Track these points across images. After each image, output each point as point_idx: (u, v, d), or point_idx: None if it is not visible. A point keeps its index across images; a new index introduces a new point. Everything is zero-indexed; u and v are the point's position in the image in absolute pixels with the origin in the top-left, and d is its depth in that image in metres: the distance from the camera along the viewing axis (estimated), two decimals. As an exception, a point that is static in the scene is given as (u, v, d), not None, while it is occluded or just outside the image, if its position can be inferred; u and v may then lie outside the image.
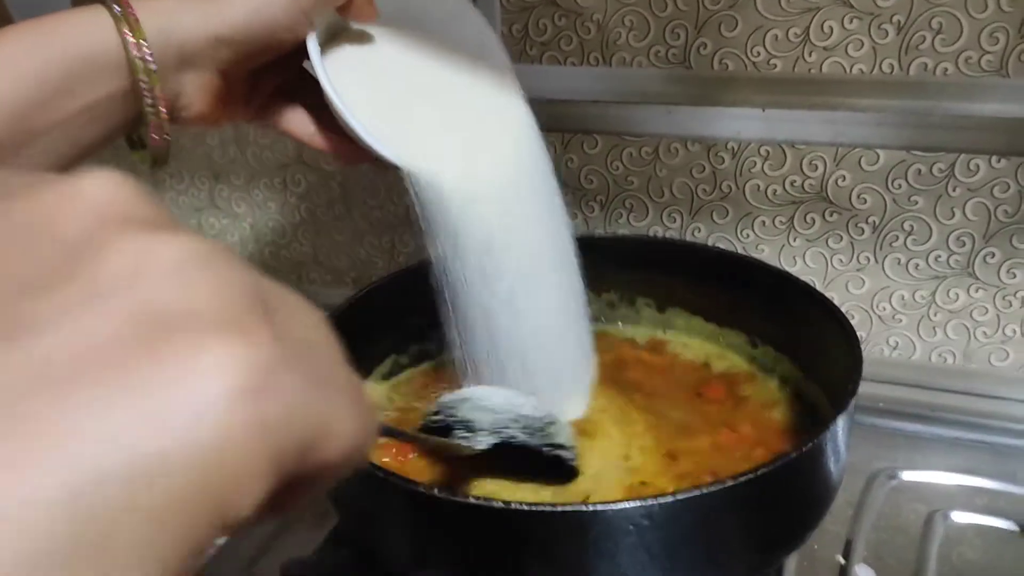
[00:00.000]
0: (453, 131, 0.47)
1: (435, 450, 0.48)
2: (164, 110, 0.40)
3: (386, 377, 0.62)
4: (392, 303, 0.60)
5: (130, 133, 0.42)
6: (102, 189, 0.16)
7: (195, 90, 0.41)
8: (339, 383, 0.18)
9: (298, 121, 0.47)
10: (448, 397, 0.47)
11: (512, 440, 0.46)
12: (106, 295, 0.15)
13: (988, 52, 0.57)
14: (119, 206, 0.16)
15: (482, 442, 0.45)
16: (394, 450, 0.52)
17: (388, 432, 0.46)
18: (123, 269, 0.15)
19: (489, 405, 0.46)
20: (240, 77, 0.44)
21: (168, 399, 0.14)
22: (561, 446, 0.48)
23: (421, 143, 0.46)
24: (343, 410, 0.17)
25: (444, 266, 0.47)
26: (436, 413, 0.47)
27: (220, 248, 0.16)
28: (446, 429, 0.46)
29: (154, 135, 0.41)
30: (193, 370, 0.14)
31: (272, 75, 0.45)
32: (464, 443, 0.45)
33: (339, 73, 0.43)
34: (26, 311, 0.14)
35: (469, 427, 0.45)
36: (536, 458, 0.47)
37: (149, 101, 0.39)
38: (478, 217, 0.46)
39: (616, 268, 0.64)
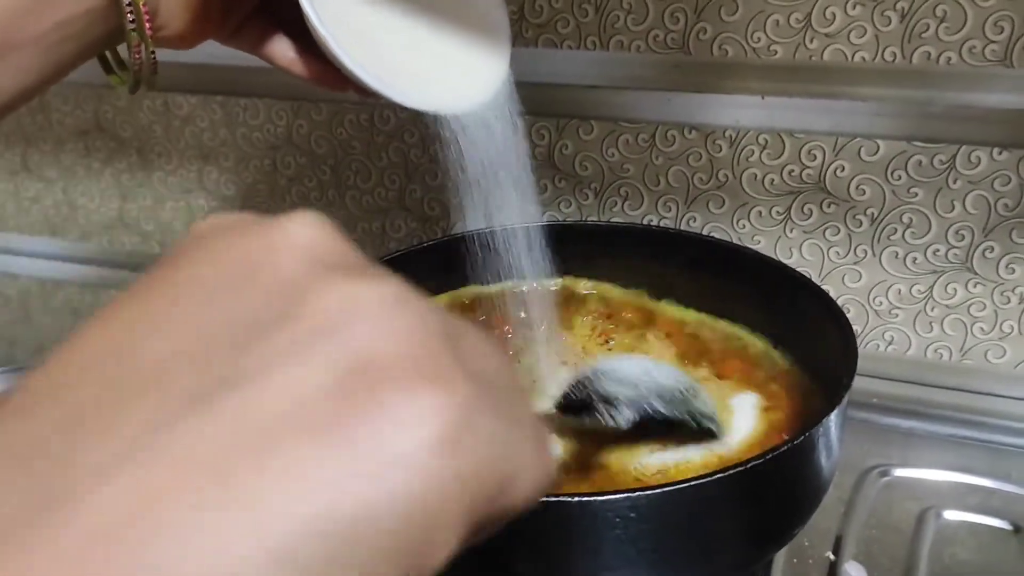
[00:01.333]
0: (432, 58, 0.46)
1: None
2: (148, 25, 0.38)
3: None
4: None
5: (105, 52, 0.40)
6: (306, 233, 0.17)
7: (174, 5, 0.39)
8: (524, 419, 0.17)
9: (277, 45, 0.45)
10: (585, 371, 0.46)
11: (654, 414, 0.45)
12: (311, 344, 0.15)
13: (992, 41, 0.55)
14: (322, 250, 0.17)
15: (625, 419, 0.44)
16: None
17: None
18: (327, 317, 0.15)
19: (626, 377, 0.45)
20: None
21: (372, 452, 0.14)
22: (701, 413, 0.47)
23: (400, 68, 0.44)
24: (530, 451, 0.17)
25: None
26: (574, 388, 0.46)
27: (413, 291, 0.16)
28: (583, 405, 0.45)
29: (137, 55, 0.39)
30: (397, 421, 0.14)
31: None
32: (608, 422, 0.44)
33: None
34: (236, 361, 0.15)
35: (608, 401, 0.44)
36: (674, 423, 0.46)
37: (131, 17, 0.37)
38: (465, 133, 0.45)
39: (609, 257, 0.63)
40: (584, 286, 0.63)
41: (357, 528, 0.14)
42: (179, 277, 0.17)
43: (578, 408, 0.45)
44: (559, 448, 0.48)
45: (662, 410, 0.45)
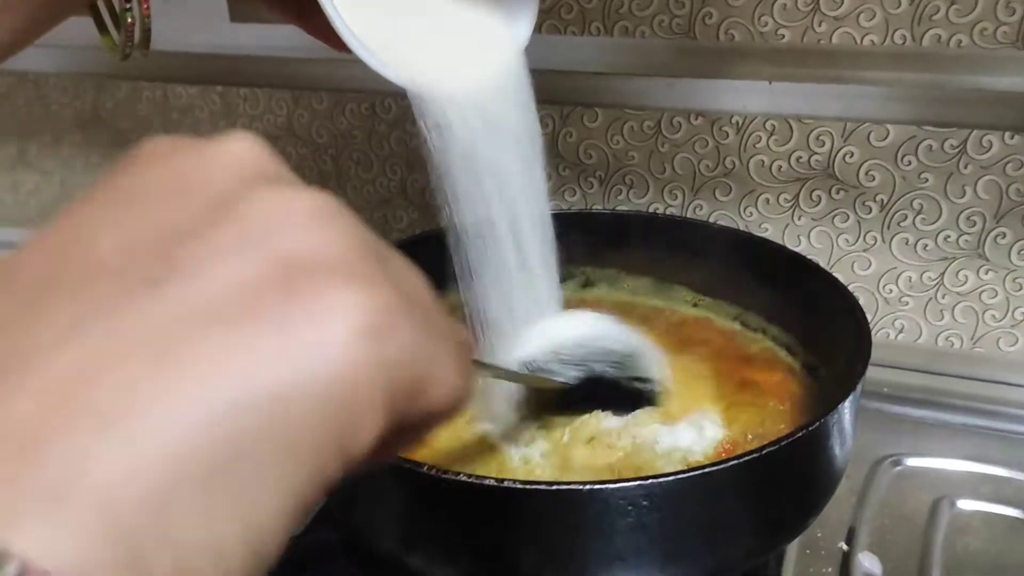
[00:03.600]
0: (441, 40, 0.44)
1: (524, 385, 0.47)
2: None
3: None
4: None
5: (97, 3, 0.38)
6: (244, 150, 0.18)
7: None
8: (443, 331, 0.19)
9: None
10: (535, 328, 0.46)
11: (602, 374, 0.45)
12: (248, 242, 0.16)
13: (1004, 23, 0.55)
14: (258, 165, 0.18)
15: (573, 377, 0.44)
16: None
17: (482, 366, 0.45)
18: (262, 220, 0.17)
19: (578, 337, 0.45)
20: None
21: (301, 337, 0.15)
22: (646, 379, 0.47)
23: (407, 47, 0.43)
24: (447, 356, 0.18)
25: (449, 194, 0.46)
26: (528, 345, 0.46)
27: (342, 204, 0.18)
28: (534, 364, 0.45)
29: (130, 17, 0.37)
30: (324, 310, 0.16)
31: None
32: (557, 379, 0.44)
33: None
34: (178, 256, 0.16)
35: (561, 360, 0.45)
36: (619, 388, 0.47)
37: None
38: (460, 121, 0.44)
39: (615, 246, 0.62)
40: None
41: (285, 402, 0.15)
42: (124, 184, 0.18)
43: (529, 365, 0.45)
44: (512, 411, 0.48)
45: (609, 370, 0.45)
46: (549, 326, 0.46)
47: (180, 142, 0.19)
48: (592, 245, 0.62)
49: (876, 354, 0.66)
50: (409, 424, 0.18)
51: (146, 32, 0.38)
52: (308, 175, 0.79)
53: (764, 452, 0.38)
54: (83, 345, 0.15)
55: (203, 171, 0.18)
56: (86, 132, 0.85)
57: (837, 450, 0.44)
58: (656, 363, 0.49)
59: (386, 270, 0.17)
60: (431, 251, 0.59)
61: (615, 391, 0.47)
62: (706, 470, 0.37)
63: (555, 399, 0.47)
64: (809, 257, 0.55)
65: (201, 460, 0.14)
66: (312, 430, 0.15)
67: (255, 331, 0.15)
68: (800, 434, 0.39)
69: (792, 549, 0.52)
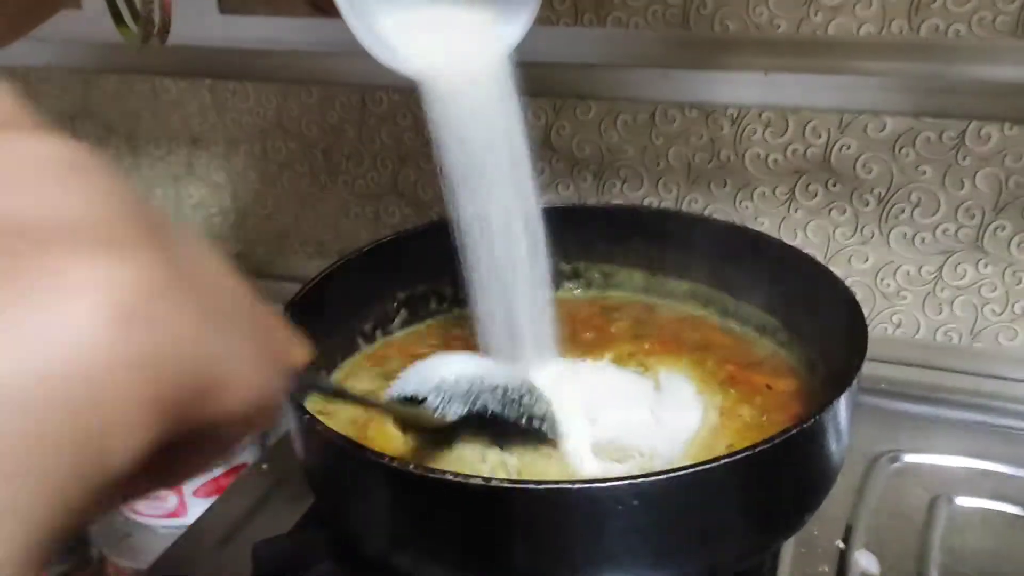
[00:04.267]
0: (435, 32, 0.44)
1: (403, 420, 0.46)
2: None
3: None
4: (372, 274, 0.58)
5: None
6: None
7: None
8: (243, 323, 0.15)
9: None
10: (418, 365, 0.44)
11: (484, 411, 0.43)
12: None
13: (1003, 13, 0.54)
14: None
15: (453, 413, 0.42)
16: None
17: (352, 398, 0.44)
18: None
19: (463, 373, 0.43)
20: None
21: (30, 323, 0.12)
22: (537, 418, 0.45)
23: (405, 37, 0.42)
24: (246, 354, 0.15)
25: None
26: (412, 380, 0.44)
27: (96, 156, 0.14)
28: (415, 399, 0.43)
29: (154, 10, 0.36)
30: (61, 289, 0.12)
31: None
32: (435, 414, 0.42)
33: None
34: None
35: (443, 395, 0.43)
36: (509, 425, 0.45)
37: None
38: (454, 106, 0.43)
39: (609, 240, 0.62)
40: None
41: (14, 405, 0.12)
42: None
43: (411, 399, 0.43)
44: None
45: (494, 407, 0.43)
46: (427, 365, 0.44)
47: None
48: (585, 240, 0.61)
49: (874, 349, 0.65)
50: (199, 434, 0.15)
51: (166, 23, 0.38)
52: (299, 169, 0.78)
53: (757, 450, 0.37)
54: None
55: None
56: (75, 126, 0.84)
57: (833, 447, 0.43)
58: (544, 401, 0.47)
59: (156, 240, 0.14)
60: (431, 243, 0.59)
61: (504, 427, 0.45)
62: (697, 469, 0.36)
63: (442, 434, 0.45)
64: (805, 251, 0.54)
65: None
66: (50, 439, 0.12)
67: None
68: (793, 432, 0.38)
69: (788, 547, 0.51)
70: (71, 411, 0.12)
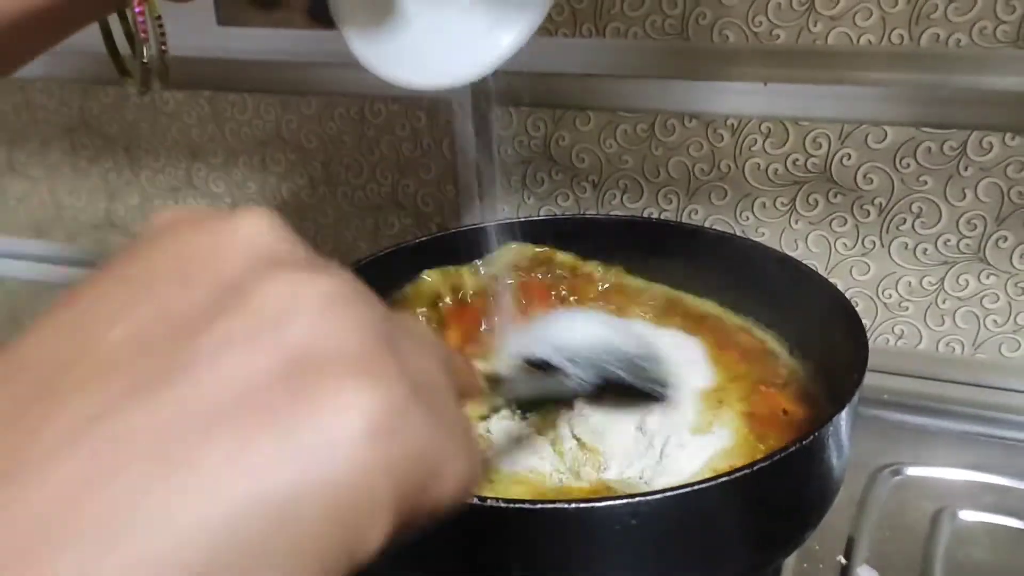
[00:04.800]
0: (428, 45, 0.43)
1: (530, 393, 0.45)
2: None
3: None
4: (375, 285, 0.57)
5: (116, 53, 0.39)
6: (255, 229, 0.18)
7: None
8: (452, 419, 0.18)
9: None
10: (538, 323, 0.45)
11: (614, 378, 0.43)
12: (255, 335, 0.16)
13: (1004, 22, 0.53)
14: (268, 247, 0.18)
15: (586, 383, 0.42)
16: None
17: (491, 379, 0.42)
18: (271, 309, 0.16)
19: (587, 339, 0.43)
20: None
21: (308, 440, 0.15)
22: (658, 382, 0.46)
23: (390, 44, 0.42)
24: (457, 445, 0.18)
25: None
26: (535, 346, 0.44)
27: (357, 287, 0.17)
28: (544, 366, 0.43)
29: (144, 33, 0.37)
30: (332, 412, 0.15)
31: None
32: (570, 383, 0.42)
33: None
34: (185, 349, 0.15)
35: (576, 362, 0.42)
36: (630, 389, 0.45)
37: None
38: None
39: (609, 251, 0.61)
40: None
41: (290, 509, 0.14)
42: (131, 271, 0.18)
43: (540, 366, 0.43)
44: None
45: (622, 374, 0.44)
46: (554, 326, 0.44)
47: (190, 217, 0.19)
48: (585, 251, 0.61)
49: (876, 360, 0.65)
50: (416, 516, 0.17)
51: (165, 67, 0.39)
52: (298, 181, 0.78)
53: (755, 468, 0.36)
54: (87, 450, 0.14)
55: (212, 253, 0.17)
56: (73, 138, 0.84)
57: (833, 463, 0.43)
58: (666, 366, 0.47)
59: (399, 359, 0.17)
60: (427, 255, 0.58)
61: (624, 391, 0.45)
62: (696, 487, 0.35)
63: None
64: (806, 262, 0.54)
65: (202, 571, 0.14)
66: (318, 537, 0.15)
67: (260, 434, 0.15)
68: (792, 449, 0.38)
69: (789, 563, 0.51)
70: (338, 510, 0.15)
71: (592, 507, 0.35)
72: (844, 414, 0.41)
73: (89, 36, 0.79)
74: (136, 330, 0.16)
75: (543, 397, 0.45)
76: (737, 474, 0.36)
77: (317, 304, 0.16)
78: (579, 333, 0.44)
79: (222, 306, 0.16)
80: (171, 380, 0.15)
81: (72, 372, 0.15)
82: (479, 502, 0.35)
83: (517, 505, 0.35)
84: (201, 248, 0.18)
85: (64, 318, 0.17)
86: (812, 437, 0.39)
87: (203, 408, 0.15)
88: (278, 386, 0.15)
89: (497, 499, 0.35)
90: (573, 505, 0.35)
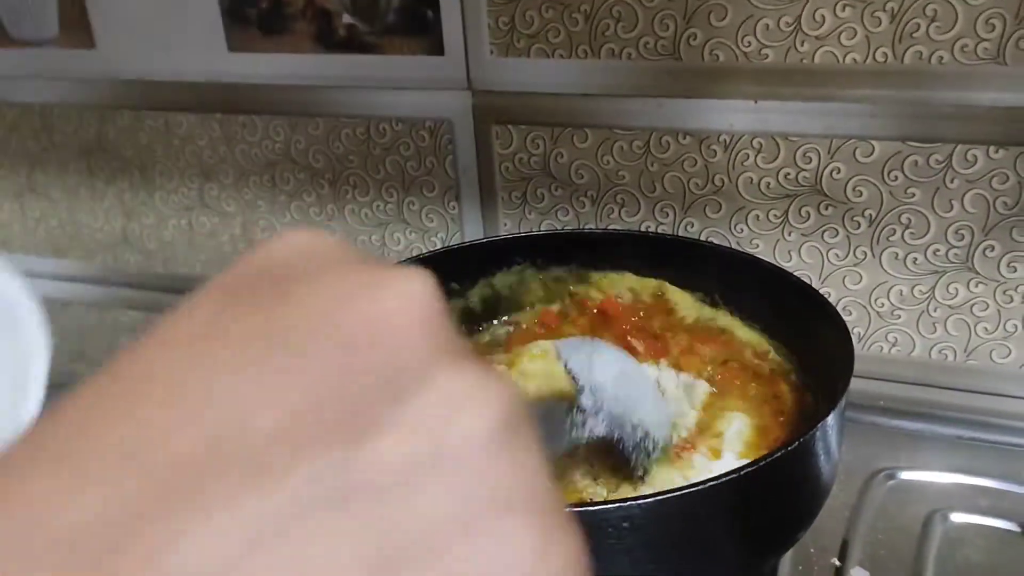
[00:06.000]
0: None
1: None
2: None
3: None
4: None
5: None
6: (418, 300, 0.16)
7: None
8: (563, 521, 0.17)
9: None
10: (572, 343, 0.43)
11: (616, 443, 0.42)
12: (430, 462, 0.14)
13: (984, 39, 0.55)
14: (433, 324, 0.16)
15: (591, 436, 0.41)
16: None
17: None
18: (443, 428, 0.14)
19: (611, 375, 0.42)
20: None
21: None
22: (646, 463, 0.45)
23: None
24: (574, 550, 0.17)
25: None
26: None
27: (515, 393, 0.16)
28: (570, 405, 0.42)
29: None
30: (507, 554, 0.15)
31: None
32: (576, 430, 0.41)
33: None
34: (351, 460, 0.14)
35: (597, 410, 0.41)
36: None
37: None
38: None
39: (607, 264, 0.63)
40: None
41: None
42: (274, 317, 0.15)
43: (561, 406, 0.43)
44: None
45: (624, 446, 0.43)
46: (600, 353, 0.44)
47: (337, 261, 0.16)
48: (585, 264, 0.63)
49: (870, 367, 0.67)
50: None
51: None
52: (306, 199, 0.80)
53: (744, 472, 0.38)
54: None
55: (374, 325, 0.15)
56: (90, 160, 0.86)
57: (823, 467, 0.44)
58: (665, 444, 0.46)
59: (559, 506, 0.16)
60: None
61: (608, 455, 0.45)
62: (686, 491, 0.37)
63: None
64: (800, 273, 0.55)
65: None
66: None
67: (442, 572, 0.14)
68: (781, 453, 0.39)
69: (784, 565, 0.52)
70: None
71: (584, 510, 0.36)
72: (831, 419, 0.42)
73: (105, 63, 0.82)
74: (290, 421, 0.13)
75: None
76: (725, 478, 0.37)
77: (489, 434, 0.15)
78: (619, 379, 0.43)
79: (387, 405, 0.14)
80: (334, 501, 0.13)
81: (218, 466, 0.13)
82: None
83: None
84: (358, 313, 0.15)
85: (192, 374, 0.14)
86: (799, 442, 0.40)
87: (372, 547, 0.13)
88: (455, 528, 0.14)
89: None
90: (566, 509, 0.36)
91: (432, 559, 0.14)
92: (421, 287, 0.16)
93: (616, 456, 0.44)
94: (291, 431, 0.13)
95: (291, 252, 0.16)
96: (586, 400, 0.41)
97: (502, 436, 0.15)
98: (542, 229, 0.72)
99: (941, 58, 0.56)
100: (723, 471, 0.40)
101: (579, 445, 0.44)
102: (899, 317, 0.65)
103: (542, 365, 0.46)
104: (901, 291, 0.64)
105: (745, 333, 0.59)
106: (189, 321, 0.15)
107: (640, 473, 0.45)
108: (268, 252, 0.16)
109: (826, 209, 0.63)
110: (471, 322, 0.63)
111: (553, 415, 0.42)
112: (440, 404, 0.15)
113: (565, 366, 0.43)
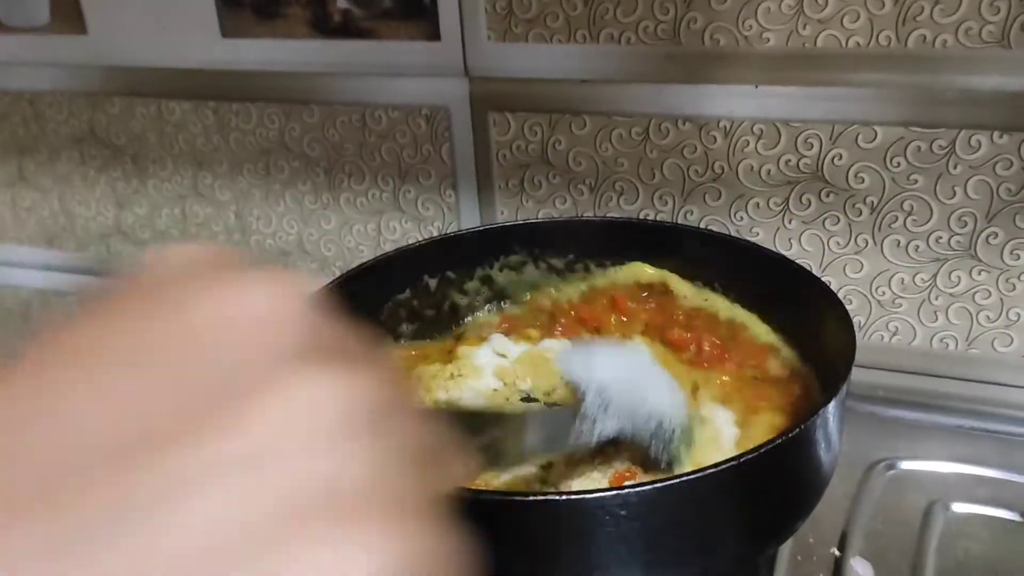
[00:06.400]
0: None
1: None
2: None
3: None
4: (374, 289, 0.59)
5: None
6: (271, 304, 0.16)
7: None
8: (413, 521, 0.16)
9: None
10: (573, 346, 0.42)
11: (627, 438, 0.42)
12: (253, 463, 0.14)
13: (989, 23, 0.54)
14: (284, 328, 0.16)
15: (600, 437, 0.40)
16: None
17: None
18: (275, 428, 0.14)
19: (618, 375, 0.41)
20: None
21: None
22: (668, 458, 0.44)
23: None
24: (443, 548, 0.17)
25: None
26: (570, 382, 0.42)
27: (386, 396, 0.16)
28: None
29: None
30: (335, 561, 0.14)
31: None
32: (579, 435, 0.40)
33: None
34: (170, 466, 0.14)
35: (601, 400, 0.40)
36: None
37: None
38: None
39: (607, 252, 0.62)
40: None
41: None
42: (124, 324, 0.16)
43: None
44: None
45: (639, 440, 0.42)
46: (599, 353, 0.43)
47: (213, 270, 0.17)
48: (584, 252, 0.62)
49: (870, 357, 0.66)
50: None
51: None
52: (301, 188, 0.79)
53: (743, 460, 0.37)
54: None
55: (225, 328, 0.16)
56: (82, 148, 0.85)
57: (823, 456, 0.44)
58: (684, 440, 0.45)
59: (408, 491, 0.16)
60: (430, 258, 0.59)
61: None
62: (684, 479, 0.36)
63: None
64: (800, 261, 0.55)
65: None
66: None
67: None
68: (780, 440, 0.39)
69: (783, 555, 0.51)
70: None
71: (582, 499, 0.36)
72: (831, 407, 0.42)
73: (97, 49, 0.81)
74: (118, 435, 0.14)
75: (544, 451, 0.43)
76: (724, 466, 0.37)
77: (328, 428, 0.15)
78: (623, 373, 0.42)
79: (219, 412, 0.14)
80: (148, 508, 0.13)
81: (44, 483, 0.14)
82: (471, 494, 0.36)
83: (507, 497, 0.36)
84: (207, 316, 0.16)
85: (47, 386, 0.15)
86: (799, 429, 0.40)
87: (176, 553, 0.13)
88: (262, 532, 0.14)
89: (487, 491, 0.36)
90: (564, 497, 0.36)
91: (247, 564, 0.13)
92: (282, 290, 0.16)
93: (639, 451, 0.44)
94: (115, 447, 0.14)
95: (173, 267, 0.17)
96: (591, 403, 0.40)
97: (338, 434, 0.15)
98: (540, 217, 0.71)
99: (945, 42, 0.55)
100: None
101: (597, 448, 0.43)
102: (900, 305, 0.65)
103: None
104: (903, 279, 0.64)
105: (744, 317, 0.58)
106: (57, 344, 0.16)
107: (665, 462, 0.44)
108: (151, 268, 0.17)
109: (827, 196, 0.63)
110: (465, 311, 0.63)
111: (559, 423, 0.41)
112: (275, 405, 0.15)
113: (564, 376, 0.43)
